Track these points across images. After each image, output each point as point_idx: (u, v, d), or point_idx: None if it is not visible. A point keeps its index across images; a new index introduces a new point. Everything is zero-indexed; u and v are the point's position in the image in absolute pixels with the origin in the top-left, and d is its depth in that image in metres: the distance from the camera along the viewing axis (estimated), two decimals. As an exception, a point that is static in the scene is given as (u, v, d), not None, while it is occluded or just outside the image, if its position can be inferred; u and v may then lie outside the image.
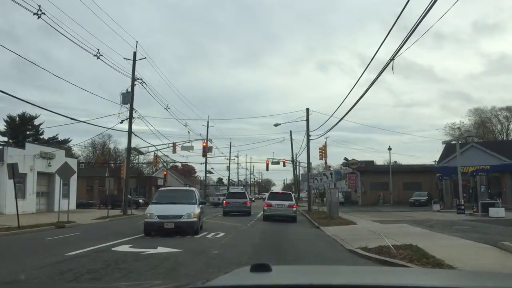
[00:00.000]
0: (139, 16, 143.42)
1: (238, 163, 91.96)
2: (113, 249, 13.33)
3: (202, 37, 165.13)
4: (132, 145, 36.60)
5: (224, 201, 36.03)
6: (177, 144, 45.33)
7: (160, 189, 25.28)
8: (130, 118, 32.58)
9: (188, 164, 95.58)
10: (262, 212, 31.19)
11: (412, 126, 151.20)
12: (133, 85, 32.14)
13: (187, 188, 27.01)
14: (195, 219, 17.94)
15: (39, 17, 19.23)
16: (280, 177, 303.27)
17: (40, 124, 64.72)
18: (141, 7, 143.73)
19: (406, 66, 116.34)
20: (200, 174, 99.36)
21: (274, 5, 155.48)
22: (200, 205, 19.80)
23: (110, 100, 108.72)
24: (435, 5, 11.85)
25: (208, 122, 61.12)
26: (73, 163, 34.60)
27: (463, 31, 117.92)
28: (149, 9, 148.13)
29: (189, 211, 18.00)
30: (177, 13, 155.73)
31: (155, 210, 18.04)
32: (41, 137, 64.08)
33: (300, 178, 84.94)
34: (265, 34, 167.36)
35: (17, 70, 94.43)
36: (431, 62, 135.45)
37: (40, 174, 38.76)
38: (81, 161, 71.36)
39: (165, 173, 63.02)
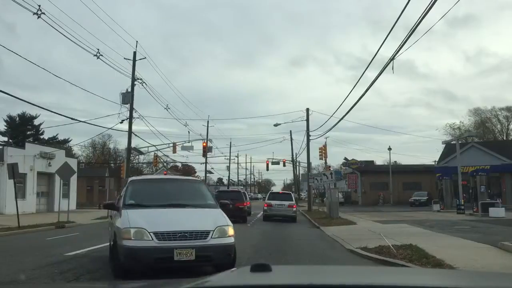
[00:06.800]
0: (135, 18, 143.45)
1: (238, 163, 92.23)
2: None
3: (198, 38, 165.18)
4: (132, 145, 36.56)
5: None
6: (177, 144, 45.34)
7: (133, 178, 11.58)
8: (130, 118, 32.54)
9: (188, 164, 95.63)
10: (262, 212, 31.22)
11: (411, 126, 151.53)
12: (133, 85, 32.12)
13: (189, 178, 16.73)
14: (232, 240, 9.15)
15: (39, 17, 19.20)
16: (280, 177, 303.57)
17: (40, 124, 64.79)
18: (137, 8, 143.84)
19: (404, 66, 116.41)
20: (200, 174, 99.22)
21: (271, 6, 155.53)
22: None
23: (110, 100, 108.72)
24: (431, 4, 11.89)
25: (208, 122, 61.10)
26: (73, 163, 34.59)
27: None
28: (145, 10, 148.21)
29: (220, 222, 9.18)
30: (174, 15, 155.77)
31: (146, 222, 8.69)
32: (41, 137, 64.08)
33: (300, 178, 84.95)
34: (261, 35, 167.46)
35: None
36: (426, 63, 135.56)
37: (40, 174, 38.76)
38: (81, 161, 71.30)
39: (165, 173, 62.94)
